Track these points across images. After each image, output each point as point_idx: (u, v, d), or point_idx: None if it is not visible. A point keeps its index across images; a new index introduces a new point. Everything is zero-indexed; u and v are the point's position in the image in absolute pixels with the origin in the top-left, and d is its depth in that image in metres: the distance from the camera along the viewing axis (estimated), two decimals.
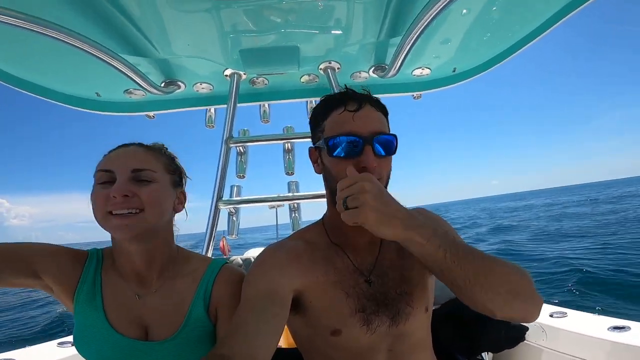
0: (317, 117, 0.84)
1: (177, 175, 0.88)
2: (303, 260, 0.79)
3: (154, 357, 0.77)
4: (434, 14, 1.23)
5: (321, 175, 0.87)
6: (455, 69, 1.94)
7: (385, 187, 0.79)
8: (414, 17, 1.35)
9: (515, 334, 1.08)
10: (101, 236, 0.83)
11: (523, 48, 1.69)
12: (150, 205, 0.77)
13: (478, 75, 1.94)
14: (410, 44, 1.45)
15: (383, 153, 0.76)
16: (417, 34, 1.36)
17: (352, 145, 0.74)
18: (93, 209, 0.76)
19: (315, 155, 0.86)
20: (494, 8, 1.50)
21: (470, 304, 0.68)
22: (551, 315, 1.64)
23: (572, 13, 1.43)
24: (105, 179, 0.76)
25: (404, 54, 1.55)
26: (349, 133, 0.75)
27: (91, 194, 0.77)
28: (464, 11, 1.49)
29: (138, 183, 0.77)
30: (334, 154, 0.76)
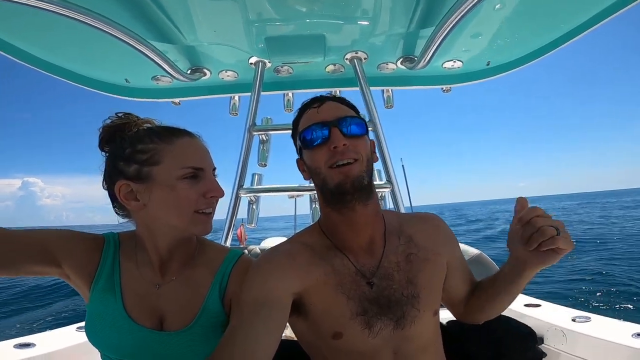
0: (294, 126, 0.88)
1: None
2: (301, 262, 0.79)
3: (168, 347, 0.77)
4: (470, 6, 1.16)
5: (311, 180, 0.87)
6: (489, 62, 1.84)
7: (369, 169, 0.79)
8: (447, 9, 1.28)
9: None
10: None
11: (564, 44, 1.59)
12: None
13: (514, 70, 1.84)
14: (442, 36, 1.38)
15: (352, 132, 0.78)
16: (451, 26, 1.29)
17: (320, 131, 0.78)
18: (174, 203, 0.75)
19: (301, 164, 0.88)
20: (535, 4, 1.40)
21: (489, 315, 0.87)
22: (573, 320, 1.60)
23: (618, 12, 1.33)
24: (193, 174, 0.77)
25: (435, 46, 1.48)
26: (315, 122, 0.79)
27: (172, 189, 0.75)
28: (498, 5, 1.40)
29: None
30: (307, 145, 0.80)
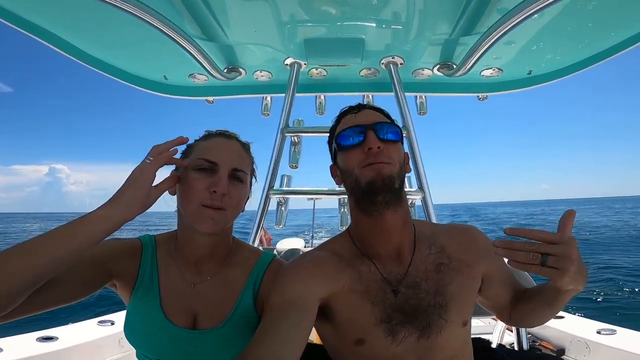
0: (331, 132, 0.90)
1: (252, 177, 0.90)
2: (328, 269, 0.79)
3: (199, 345, 0.79)
4: (522, 18, 1.13)
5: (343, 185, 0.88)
6: (531, 71, 1.78)
7: (401, 175, 0.79)
8: (494, 18, 1.25)
9: None
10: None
11: (611, 57, 1.53)
12: (234, 207, 0.80)
13: (556, 80, 1.78)
14: (488, 45, 1.36)
15: (388, 137, 0.79)
16: (499, 35, 1.26)
17: (357, 133, 0.80)
18: (185, 193, 0.78)
19: (334, 169, 0.90)
20: (582, 13, 1.35)
21: (534, 324, 0.89)
22: (598, 332, 1.59)
23: None
24: (205, 167, 0.78)
25: (478, 55, 1.45)
26: (352, 126, 0.81)
27: (184, 178, 0.78)
28: (543, 15, 1.35)
29: (232, 181, 0.80)
30: (342, 144, 0.81)
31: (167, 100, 2.01)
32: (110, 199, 0.69)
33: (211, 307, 0.81)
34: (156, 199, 0.74)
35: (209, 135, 0.86)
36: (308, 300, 0.74)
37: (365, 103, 0.91)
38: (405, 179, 1.09)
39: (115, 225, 0.67)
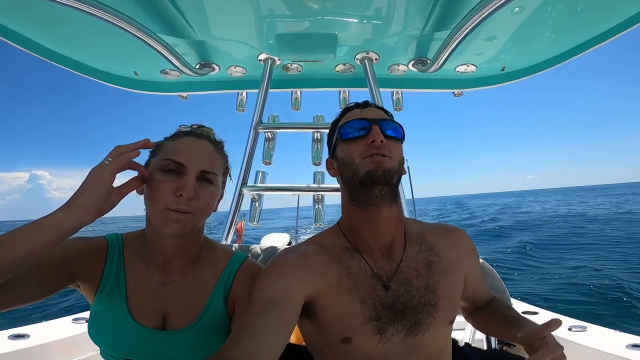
0: (334, 124, 0.91)
1: (225, 176, 0.89)
2: (315, 264, 0.78)
3: (168, 345, 0.77)
4: (490, 10, 1.12)
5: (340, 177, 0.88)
6: (504, 67, 1.78)
7: (399, 172, 0.80)
8: (464, 12, 1.24)
9: None
10: (133, 210, 0.78)
11: (585, 52, 1.53)
12: (202, 210, 0.77)
13: (530, 77, 1.78)
14: (458, 40, 1.35)
15: (391, 134, 0.80)
16: (468, 30, 1.26)
17: (361, 126, 0.80)
18: (150, 195, 0.75)
19: (331, 162, 0.90)
20: (558, 7, 1.35)
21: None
22: (570, 329, 1.60)
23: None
24: (172, 168, 0.75)
25: (449, 50, 1.44)
26: (358, 118, 0.82)
27: (149, 179, 0.75)
28: (516, 9, 1.35)
29: (200, 183, 0.77)
30: (345, 137, 0.82)
31: (143, 95, 1.97)
32: (67, 202, 0.66)
33: (181, 307, 0.80)
34: (117, 202, 0.71)
35: (178, 134, 0.82)
36: (292, 298, 0.72)
37: (351, 101, 0.93)
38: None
39: (70, 230, 0.64)
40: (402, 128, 0.83)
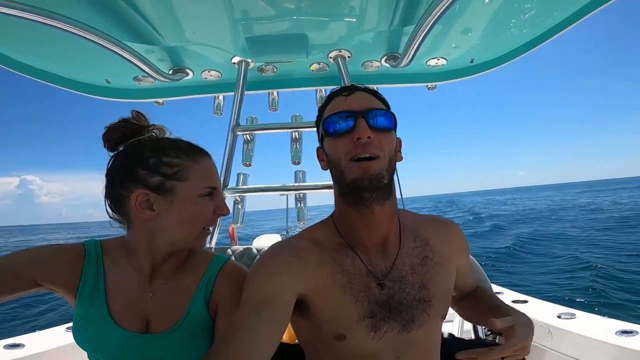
0: (319, 113, 0.85)
1: None
2: (308, 261, 0.75)
3: (152, 349, 0.78)
4: (448, 2, 1.16)
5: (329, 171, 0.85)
6: (473, 60, 1.84)
7: (391, 169, 0.75)
8: (426, 5, 1.27)
9: None
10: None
11: (547, 40, 1.58)
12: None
13: (497, 67, 1.84)
14: (423, 34, 1.38)
15: (379, 125, 0.74)
16: (431, 23, 1.29)
17: (345, 119, 0.74)
18: (191, 217, 0.80)
19: (320, 153, 0.85)
20: None
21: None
22: (559, 317, 1.62)
23: (600, 8, 1.33)
24: (211, 192, 0.83)
25: (417, 44, 1.47)
26: (342, 111, 0.76)
27: (192, 204, 0.80)
28: (486, 0, 1.39)
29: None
30: (331, 132, 0.76)
31: (113, 102, 1.95)
32: None
33: (164, 311, 0.81)
34: None
35: (196, 155, 0.84)
36: (284, 297, 0.71)
37: (355, 84, 0.85)
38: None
39: None
40: (393, 115, 0.77)
